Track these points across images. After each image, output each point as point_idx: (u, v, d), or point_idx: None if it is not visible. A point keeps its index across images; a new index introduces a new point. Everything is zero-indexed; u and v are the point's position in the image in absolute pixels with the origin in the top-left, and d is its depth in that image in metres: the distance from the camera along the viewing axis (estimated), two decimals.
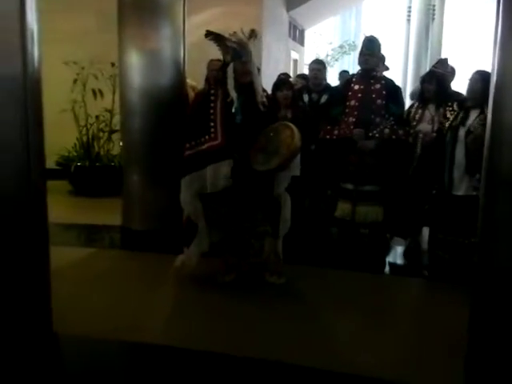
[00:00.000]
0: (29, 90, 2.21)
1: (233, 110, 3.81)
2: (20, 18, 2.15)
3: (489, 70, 4.14)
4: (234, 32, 3.81)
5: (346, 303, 3.83)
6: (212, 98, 3.86)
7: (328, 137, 4.70)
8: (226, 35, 3.80)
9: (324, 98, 5.29)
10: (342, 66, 14.70)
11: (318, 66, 5.42)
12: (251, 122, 3.82)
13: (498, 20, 1.86)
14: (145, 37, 5.01)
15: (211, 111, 3.81)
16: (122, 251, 4.90)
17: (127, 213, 5.20)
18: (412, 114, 4.69)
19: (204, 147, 3.78)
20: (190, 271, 4.08)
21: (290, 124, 3.81)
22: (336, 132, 4.65)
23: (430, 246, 4.47)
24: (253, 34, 3.81)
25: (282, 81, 5.11)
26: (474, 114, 4.03)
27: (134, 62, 5.07)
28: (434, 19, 13.75)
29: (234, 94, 3.79)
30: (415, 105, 4.79)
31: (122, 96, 5.30)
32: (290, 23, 10.97)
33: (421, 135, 4.53)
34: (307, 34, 12.90)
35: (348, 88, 4.70)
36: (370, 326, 3.46)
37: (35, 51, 2.29)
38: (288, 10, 10.37)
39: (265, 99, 3.92)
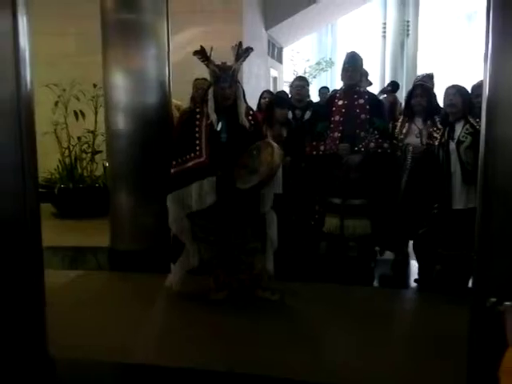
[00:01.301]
0: (23, 113, 2.21)
1: (218, 129, 3.86)
2: (13, 40, 2.15)
3: (462, 83, 4.30)
4: (211, 48, 3.86)
5: (340, 316, 3.86)
6: (198, 116, 3.92)
7: (314, 152, 4.74)
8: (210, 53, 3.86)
9: (308, 115, 5.36)
10: (319, 82, 14.84)
11: (302, 82, 5.49)
12: (236, 141, 3.88)
13: (488, 35, 1.91)
14: (129, 57, 5.02)
15: (196, 129, 3.89)
16: (110, 272, 4.86)
17: (115, 234, 5.15)
18: (398, 129, 4.75)
19: (189, 164, 3.84)
20: (180, 289, 4.08)
21: (271, 142, 3.89)
22: (322, 148, 4.70)
23: (426, 260, 4.49)
24: (243, 53, 3.86)
25: (282, 99, 5.18)
26: (459, 127, 4.11)
27: (119, 82, 5.07)
28: (408, 35, 14.02)
29: (213, 117, 3.86)
30: (400, 119, 4.85)
31: (106, 117, 5.29)
32: (269, 41, 11.09)
33: (410, 148, 4.58)
34: (285, 51, 13.04)
35: (332, 104, 4.76)
36: (365, 337, 3.48)
37: (27, 74, 2.29)
38: (267, 29, 10.49)
39: (250, 117, 3.97)
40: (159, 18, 5.09)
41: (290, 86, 5.53)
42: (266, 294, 4.09)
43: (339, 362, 3.16)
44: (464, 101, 4.08)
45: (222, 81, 3.78)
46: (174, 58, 5.57)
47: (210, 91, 3.87)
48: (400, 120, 4.83)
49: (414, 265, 4.79)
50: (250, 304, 4.00)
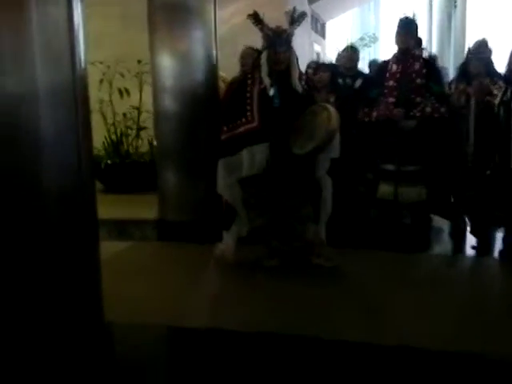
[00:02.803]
0: (78, 90, 2.17)
1: (270, 94, 3.76)
2: (68, 18, 2.11)
3: None
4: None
5: (397, 281, 3.72)
6: (249, 81, 3.82)
7: (367, 119, 4.60)
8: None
9: (358, 82, 5.20)
10: (363, 58, 14.52)
11: (352, 49, 5.31)
12: (289, 106, 3.76)
13: None
14: (176, 37, 4.94)
15: (247, 95, 3.78)
16: (160, 243, 4.83)
17: (163, 205, 5.12)
18: (456, 97, 4.53)
19: (240, 130, 3.75)
20: (230, 258, 4.02)
21: (328, 106, 3.76)
22: (375, 114, 4.56)
23: (483, 224, 4.32)
24: (297, 18, 3.74)
25: (317, 64, 5.04)
26: None
27: (166, 63, 5.01)
28: (456, 7, 13.53)
29: (267, 81, 3.76)
30: (455, 85, 4.64)
31: (155, 96, 5.23)
32: (312, 16, 10.88)
33: (472, 103, 4.34)
34: (328, 26, 12.78)
35: (385, 69, 4.60)
36: (424, 301, 3.35)
37: (82, 52, 2.25)
38: (310, 3, 10.28)
39: (303, 82, 3.86)
40: None
41: (338, 55, 5.36)
42: (320, 260, 3.98)
43: (400, 324, 3.04)
44: None
45: (277, 45, 3.67)
46: (220, 31, 5.47)
47: (264, 55, 3.75)
48: (454, 86, 4.62)
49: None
50: (304, 270, 3.90)
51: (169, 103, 5.07)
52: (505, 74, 4.13)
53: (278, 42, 3.68)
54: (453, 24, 13.39)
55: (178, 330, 3.07)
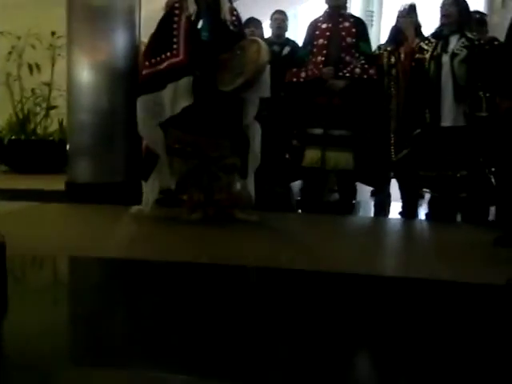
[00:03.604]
0: None
1: (199, 26, 3.51)
2: None
3: None
4: None
5: (330, 233, 3.61)
6: (176, 11, 3.55)
7: (295, 79, 4.42)
8: None
9: (286, 50, 5.06)
10: None
11: (281, 15, 5.17)
12: (218, 40, 3.53)
13: None
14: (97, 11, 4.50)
15: (174, 26, 3.51)
16: (69, 204, 4.36)
17: (73, 167, 4.64)
18: (385, 59, 4.49)
19: (164, 65, 3.45)
20: (148, 211, 3.68)
21: (257, 39, 3.60)
22: (303, 74, 4.38)
23: (408, 185, 4.24)
24: None
25: (250, 18, 4.85)
26: (454, 39, 3.90)
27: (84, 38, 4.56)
28: (372, 25, 13.95)
29: (193, 7, 3.51)
30: (384, 47, 4.61)
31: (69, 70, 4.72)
32: None
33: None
34: None
35: (315, 28, 4.46)
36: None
37: None
38: None
39: (234, 17, 3.64)
40: None
41: (270, 19, 5.20)
42: (243, 214, 3.71)
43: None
44: (460, 12, 3.86)
45: None
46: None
47: None
48: (384, 48, 4.60)
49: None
50: (227, 224, 3.62)
51: (85, 76, 4.58)
52: (435, 30, 4.10)
53: None
54: None
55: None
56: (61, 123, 6.71)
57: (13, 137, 6.58)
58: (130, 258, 2.76)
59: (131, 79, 4.44)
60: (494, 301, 2.28)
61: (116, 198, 4.21)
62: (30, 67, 6.86)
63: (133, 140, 4.20)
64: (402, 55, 4.34)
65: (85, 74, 4.58)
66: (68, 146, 4.74)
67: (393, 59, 4.42)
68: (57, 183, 4.74)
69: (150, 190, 3.67)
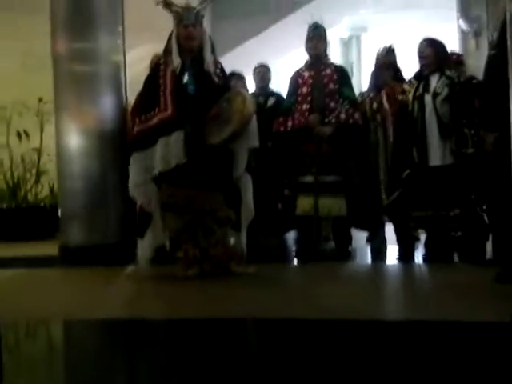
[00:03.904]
0: None
1: (184, 80, 3.57)
2: None
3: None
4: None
5: (325, 280, 3.55)
6: (161, 67, 3.62)
7: (282, 129, 4.48)
8: None
9: (271, 101, 5.14)
10: None
11: (264, 68, 5.28)
12: (205, 93, 3.58)
13: None
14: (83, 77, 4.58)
15: (160, 81, 3.56)
16: (62, 268, 4.29)
17: (66, 230, 4.60)
18: (368, 102, 4.57)
19: (154, 121, 3.49)
20: (145, 270, 3.64)
21: (242, 90, 3.71)
22: (290, 123, 4.44)
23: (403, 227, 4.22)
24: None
25: (232, 72, 4.93)
26: (434, 79, 3.97)
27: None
28: (352, 76, 14.25)
29: (177, 61, 3.57)
30: (367, 94, 4.69)
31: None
32: None
33: (386, 106, 4.40)
34: None
35: (297, 77, 4.55)
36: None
37: None
38: None
39: (218, 70, 3.71)
40: None
41: (253, 73, 5.30)
42: (240, 268, 3.67)
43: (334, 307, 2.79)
44: (437, 52, 3.96)
45: (186, 18, 3.55)
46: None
47: (173, 34, 3.61)
48: (366, 94, 4.68)
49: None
50: (225, 278, 3.57)
51: (74, 141, 4.60)
52: (416, 72, 4.18)
53: (187, 14, 3.56)
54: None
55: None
56: (51, 188, 6.72)
57: (4, 205, 6.55)
58: (128, 318, 2.70)
59: (120, 141, 4.49)
60: (500, 338, 2.24)
61: (110, 260, 4.17)
62: (19, 134, 6.91)
63: (125, 201, 4.19)
64: (385, 98, 4.40)
65: (73, 139, 4.61)
66: (60, 212, 4.73)
67: (375, 105, 4.49)
68: (49, 249, 4.69)
69: (145, 247, 3.64)
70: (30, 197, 6.92)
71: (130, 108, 5.07)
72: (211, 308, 2.86)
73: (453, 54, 4.53)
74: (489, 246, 3.88)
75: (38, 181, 6.98)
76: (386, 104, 4.38)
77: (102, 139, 4.56)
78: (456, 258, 4.02)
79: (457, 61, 4.45)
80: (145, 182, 3.54)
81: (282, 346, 2.28)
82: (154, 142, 3.46)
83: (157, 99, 3.50)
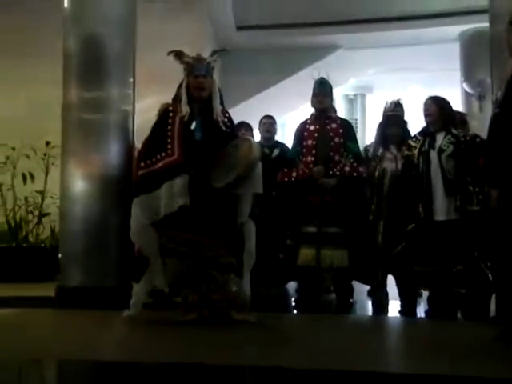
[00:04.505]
0: None
1: (192, 127, 3.62)
2: None
3: None
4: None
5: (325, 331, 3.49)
6: (170, 114, 3.68)
7: (286, 179, 4.52)
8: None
9: (276, 152, 5.20)
10: None
11: (270, 120, 5.37)
12: (211, 140, 3.62)
13: None
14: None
15: (168, 127, 3.62)
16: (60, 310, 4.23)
17: (65, 270, 4.56)
18: (371, 154, 4.63)
19: (159, 165, 3.52)
20: (140, 315, 3.59)
21: (249, 137, 3.75)
22: (294, 174, 4.49)
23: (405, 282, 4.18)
24: (216, 52, 3.76)
25: (241, 122, 5.00)
26: (440, 137, 4.03)
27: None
28: (356, 132, 14.45)
29: (186, 109, 3.63)
30: (373, 147, 4.74)
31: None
32: None
33: (388, 172, 4.44)
34: None
35: (303, 129, 4.63)
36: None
37: None
38: None
39: (226, 119, 3.76)
40: None
41: (259, 124, 5.39)
42: (242, 315, 3.60)
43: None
44: (442, 110, 4.03)
45: (196, 70, 3.62)
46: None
47: (183, 83, 3.68)
48: (372, 146, 4.73)
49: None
50: (224, 325, 3.50)
51: (79, 185, 4.63)
52: (422, 128, 4.24)
53: (197, 66, 3.63)
54: None
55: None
56: (53, 230, 6.71)
57: (4, 245, 6.52)
58: (122, 361, 2.64)
59: (124, 187, 4.50)
60: None
61: (108, 303, 4.12)
62: (24, 176, 6.95)
63: (125, 245, 4.20)
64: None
65: (78, 184, 4.64)
66: (60, 253, 4.71)
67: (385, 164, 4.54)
68: (48, 290, 4.63)
69: (140, 291, 3.61)
70: (31, 237, 6.91)
71: (136, 154, 5.20)
72: (206, 353, 2.79)
73: (457, 112, 4.61)
74: (492, 304, 3.83)
75: (39, 222, 6.99)
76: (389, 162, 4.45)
77: (105, 184, 4.59)
78: (459, 315, 3.96)
79: (460, 119, 4.52)
80: (146, 225, 3.54)
81: None
82: (159, 185, 3.47)
83: (164, 144, 3.54)
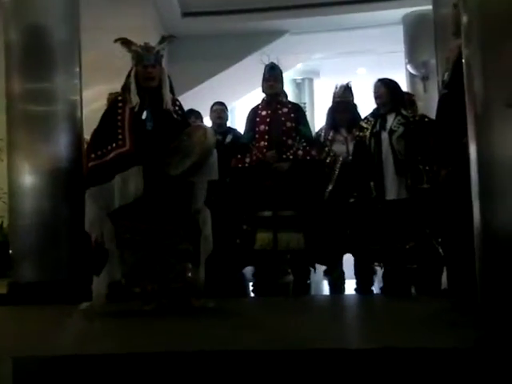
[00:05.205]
0: None
1: (143, 117, 3.58)
2: None
3: None
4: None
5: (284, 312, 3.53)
6: (120, 104, 3.63)
7: (240, 165, 4.52)
8: None
9: (229, 138, 5.18)
10: None
11: (221, 106, 5.34)
12: (163, 129, 3.60)
13: None
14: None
15: (118, 117, 3.58)
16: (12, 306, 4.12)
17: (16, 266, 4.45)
18: (323, 137, 4.67)
19: (111, 156, 3.48)
20: (100, 307, 3.54)
21: (202, 124, 3.67)
22: (248, 159, 4.50)
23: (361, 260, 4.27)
24: (165, 39, 3.70)
25: (190, 110, 4.96)
26: (391, 118, 4.12)
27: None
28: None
29: (135, 99, 3.58)
30: (324, 131, 4.79)
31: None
32: None
33: (340, 158, 4.49)
34: None
35: (255, 114, 4.63)
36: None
37: None
38: None
39: (177, 107, 3.73)
40: None
41: (210, 111, 5.36)
42: (202, 301, 3.61)
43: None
44: (391, 92, 4.13)
45: (145, 59, 3.57)
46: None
47: (132, 73, 3.63)
48: (323, 129, 4.78)
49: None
50: (184, 312, 3.50)
51: (26, 179, 4.49)
52: (373, 110, 4.32)
53: (146, 55, 3.58)
54: None
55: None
56: (0, 225, 6.52)
57: None
58: (82, 354, 2.61)
59: (74, 179, 4.41)
60: (463, 364, 2.27)
61: (62, 297, 4.05)
62: None
63: (78, 238, 4.14)
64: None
65: (26, 178, 4.51)
66: (11, 249, 4.58)
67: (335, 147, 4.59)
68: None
69: (101, 284, 3.55)
70: None
71: (86, 145, 5.09)
72: (168, 342, 2.79)
73: (405, 93, 4.71)
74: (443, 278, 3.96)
75: None
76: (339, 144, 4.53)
77: (55, 177, 4.48)
78: (413, 290, 4.07)
79: (409, 100, 4.61)
80: (101, 216, 3.49)
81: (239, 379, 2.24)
82: (111, 177, 3.43)
83: (114, 135, 3.50)
